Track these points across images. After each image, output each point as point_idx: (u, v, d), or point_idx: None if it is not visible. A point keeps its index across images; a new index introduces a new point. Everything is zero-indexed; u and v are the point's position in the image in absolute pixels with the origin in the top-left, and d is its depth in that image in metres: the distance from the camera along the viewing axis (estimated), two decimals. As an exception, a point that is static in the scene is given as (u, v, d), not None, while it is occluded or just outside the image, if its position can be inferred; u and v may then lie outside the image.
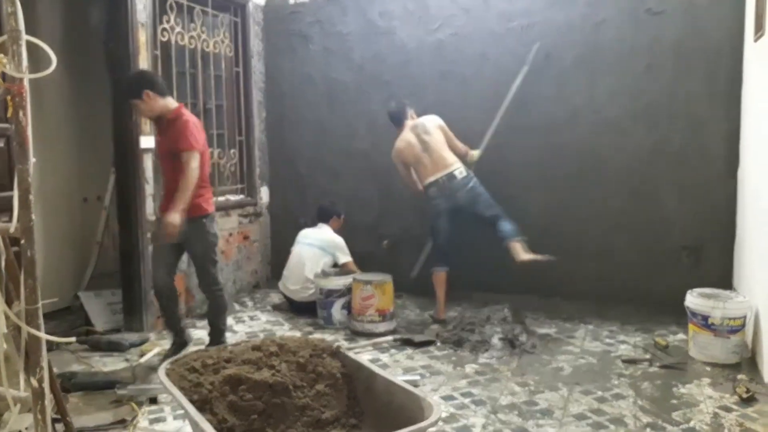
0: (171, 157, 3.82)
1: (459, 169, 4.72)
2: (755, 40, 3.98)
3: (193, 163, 3.71)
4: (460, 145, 4.96)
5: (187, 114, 3.89)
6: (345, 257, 5.17)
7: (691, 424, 3.00)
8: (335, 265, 5.18)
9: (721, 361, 3.77)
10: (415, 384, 3.39)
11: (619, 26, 4.88)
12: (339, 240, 5.22)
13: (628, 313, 4.82)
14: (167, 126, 3.82)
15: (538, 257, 4.58)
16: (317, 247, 5.14)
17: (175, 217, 3.60)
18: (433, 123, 4.86)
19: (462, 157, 4.90)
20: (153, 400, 3.33)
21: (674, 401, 3.28)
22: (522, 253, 4.59)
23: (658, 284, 4.88)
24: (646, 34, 4.80)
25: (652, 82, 4.83)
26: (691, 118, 4.74)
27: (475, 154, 5.02)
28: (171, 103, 3.86)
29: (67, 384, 3.43)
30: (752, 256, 4.01)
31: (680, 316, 4.33)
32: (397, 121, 4.98)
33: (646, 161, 4.90)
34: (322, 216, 5.39)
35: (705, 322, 3.81)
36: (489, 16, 5.27)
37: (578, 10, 4.98)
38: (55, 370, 2.90)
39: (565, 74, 5.06)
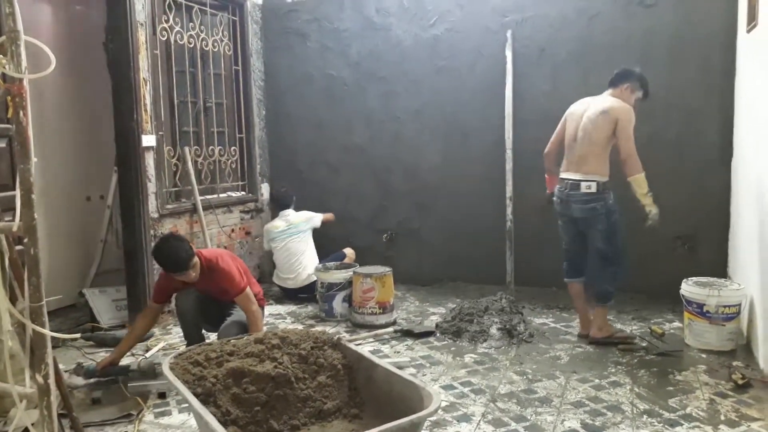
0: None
1: (591, 184, 3.88)
2: (748, 31, 4.01)
3: (253, 306, 3.62)
4: (625, 155, 3.86)
5: (215, 258, 3.66)
6: (317, 216, 5.53)
7: (688, 410, 3.04)
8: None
9: (717, 348, 3.82)
10: (400, 366, 3.42)
11: (612, 19, 4.91)
12: (303, 212, 5.56)
13: (624, 301, 4.85)
14: (204, 277, 3.61)
15: (615, 334, 4.06)
16: (298, 232, 5.40)
17: None
18: (604, 111, 3.87)
19: (623, 171, 3.90)
20: (162, 395, 3.37)
21: (670, 388, 3.32)
22: (596, 327, 4.05)
23: (653, 273, 4.92)
24: (640, 26, 4.83)
25: (646, 74, 4.81)
26: (685, 108, 4.78)
27: (637, 179, 3.89)
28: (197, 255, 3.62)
29: (80, 371, 3.49)
30: (746, 244, 4.04)
31: (676, 305, 4.40)
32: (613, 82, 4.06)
33: (641, 152, 4.90)
34: (283, 203, 5.64)
35: (700, 310, 3.85)
36: (483, 11, 5.30)
37: (572, 4, 5.01)
38: (60, 366, 2.95)
39: (559, 68, 5.09)
